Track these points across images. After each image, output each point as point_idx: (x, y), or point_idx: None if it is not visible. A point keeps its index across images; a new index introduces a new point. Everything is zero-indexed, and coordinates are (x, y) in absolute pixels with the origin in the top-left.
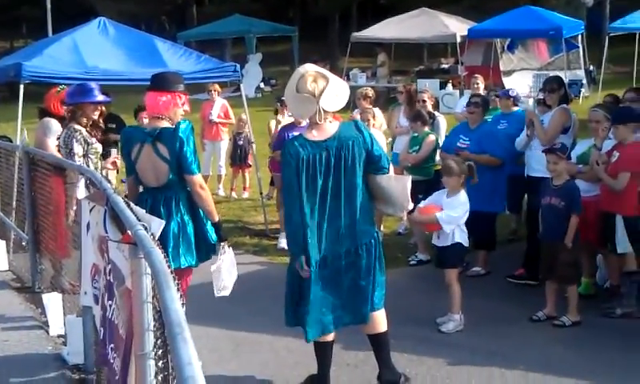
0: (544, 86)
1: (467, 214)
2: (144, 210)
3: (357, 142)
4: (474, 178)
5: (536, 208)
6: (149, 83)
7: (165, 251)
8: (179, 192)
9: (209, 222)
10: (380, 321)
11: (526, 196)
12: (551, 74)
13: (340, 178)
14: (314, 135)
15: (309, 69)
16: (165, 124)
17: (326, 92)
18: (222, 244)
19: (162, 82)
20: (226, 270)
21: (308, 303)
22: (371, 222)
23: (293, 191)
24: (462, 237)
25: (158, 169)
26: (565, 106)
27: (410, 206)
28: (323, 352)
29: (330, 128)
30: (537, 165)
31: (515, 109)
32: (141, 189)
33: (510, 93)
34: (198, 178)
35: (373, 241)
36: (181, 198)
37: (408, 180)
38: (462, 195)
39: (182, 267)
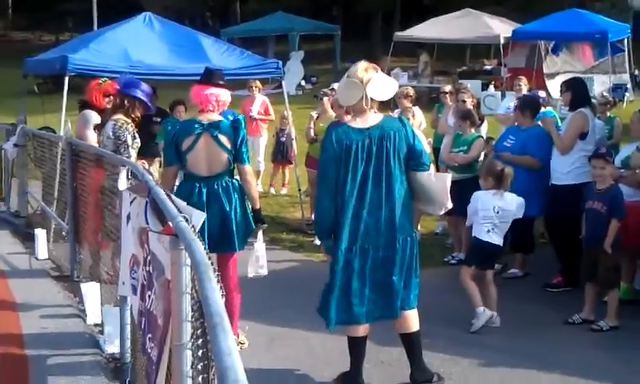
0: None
1: (479, 212)
2: (195, 197)
3: (399, 134)
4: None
5: (558, 215)
6: (199, 77)
7: (230, 237)
8: (232, 180)
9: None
10: (413, 320)
11: None
12: (595, 77)
13: (381, 166)
14: (358, 123)
15: (364, 61)
16: (216, 116)
17: (373, 80)
18: (263, 226)
19: (211, 77)
20: (265, 250)
21: (334, 289)
22: (410, 220)
23: (328, 177)
24: (477, 232)
25: (216, 158)
26: (582, 109)
27: (450, 204)
28: (356, 347)
29: (373, 117)
30: (557, 173)
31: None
32: (179, 179)
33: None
34: (249, 168)
35: (409, 239)
36: (235, 186)
37: (448, 178)
38: (475, 194)
39: (235, 251)
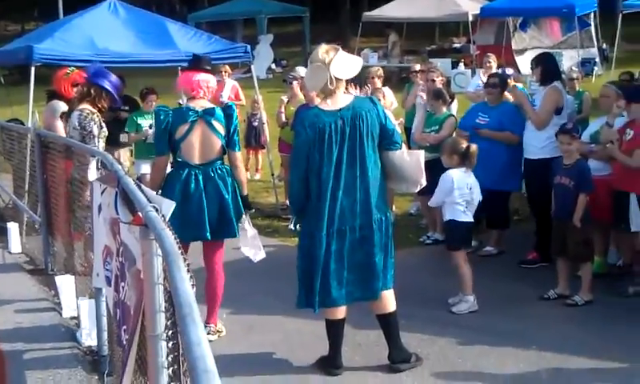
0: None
1: (454, 191)
2: (193, 185)
3: (371, 113)
4: (471, 162)
5: (535, 190)
6: (186, 64)
7: (230, 223)
8: (224, 166)
9: None
10: (389, 300)
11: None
12: (564, 52)
13: (355, 147)
14: (329, 105)
15: (323, 44)
16: (208, 103)
17: (335, 59)
18: (250, 212)
19: (200, 62)
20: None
21: (318, 274)
22: (384, 200)
23: (300, 162)
24: (453, 214)
25: (211, 145)
26: (556, 84)
27: (424, 181)
28: (335, 330)
29: (344, 98)
30: (531, 147)
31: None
32: (169, 167)
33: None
34: (240, 154)
35: (384, 219)
36: (228, 172)
37: (421, 154)
38: (447, 174)
39: (234, 237)
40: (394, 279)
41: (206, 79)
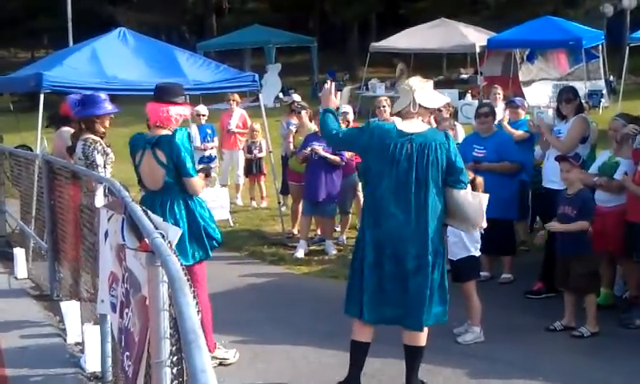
0: (560, 95)
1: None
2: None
3: (441, 146)
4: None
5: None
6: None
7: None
8: (175, 195)
9: (212, 223)
10: (423, 336)
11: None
12: (571, 84)
13: (422, 174)
14: (403, 125)
15: (418, 76)
16: (164, 132)
17: (422, 87)
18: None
19: (161, 94)
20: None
21: (368, 287)
22: (441, 234)
23: (365, 176)
24: (462, 253)
25: (156, 173)
26: (583, 115)
27: (485, 224)
28: (359, 352)
29: (419, 125)
30: (553, 176)
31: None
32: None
33: (518, 102)
34: (195, 180)
35: (438, 252)
36: (176, 201)
37: (485, 197)
38: None
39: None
40: (436, 318)
41: (154, 107)
